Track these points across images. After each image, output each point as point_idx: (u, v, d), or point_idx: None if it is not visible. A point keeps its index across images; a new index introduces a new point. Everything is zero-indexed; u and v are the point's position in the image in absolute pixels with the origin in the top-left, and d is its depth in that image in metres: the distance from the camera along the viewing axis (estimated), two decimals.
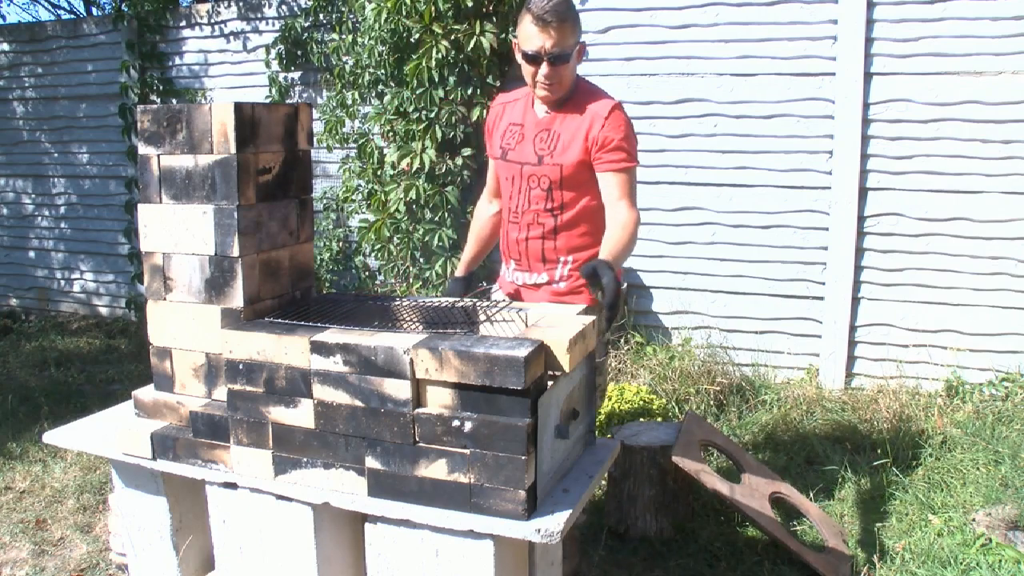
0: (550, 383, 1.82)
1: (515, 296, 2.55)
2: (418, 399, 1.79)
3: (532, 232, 2.45)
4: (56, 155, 6.37)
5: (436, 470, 1.78)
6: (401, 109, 4.53)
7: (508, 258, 2.56)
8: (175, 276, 2.05)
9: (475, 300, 2.17)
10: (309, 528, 1.91)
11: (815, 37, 4.14)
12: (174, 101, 5.80)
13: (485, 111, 4.43)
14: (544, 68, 2.29)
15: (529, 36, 2.28)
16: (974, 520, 2.85)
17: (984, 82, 3.89)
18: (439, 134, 4.42)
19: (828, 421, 3.83)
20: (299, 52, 5.33)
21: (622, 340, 4.53)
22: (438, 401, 1.78)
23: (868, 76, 4.05)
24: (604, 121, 2.33)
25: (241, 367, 1.91)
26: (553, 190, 2.39)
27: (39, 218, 6.56)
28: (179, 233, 2.03)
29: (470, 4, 4.32)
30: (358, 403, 1.81)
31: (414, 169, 4.46)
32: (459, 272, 2.70)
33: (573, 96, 2.41)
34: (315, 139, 4.03)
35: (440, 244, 4.51)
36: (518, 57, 2.37)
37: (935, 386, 4.06)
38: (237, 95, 5.60)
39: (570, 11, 2.29)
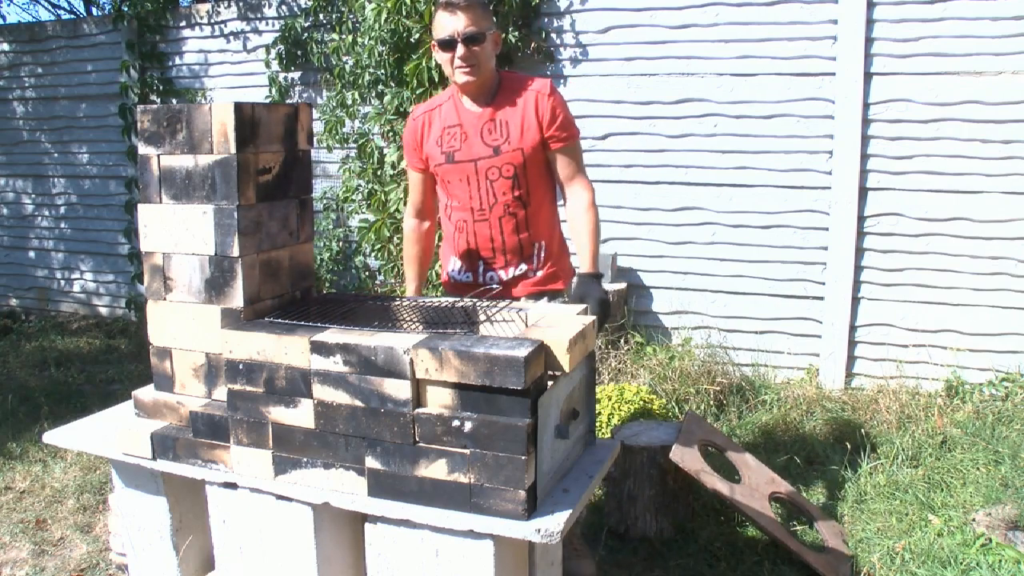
0: (550, 383, 1.82)
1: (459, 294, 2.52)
2: (418, 399, 1.79)
3: (506, 225, 2.47)
4: (56, 155, 6.37)
5: (436, 470, 1.78)
6: (401, 109, 4.53)
7: (474, 260, 2.53)
8: (175, 276, 2.05)
9: (475, 300, 2.17)
10: (309, 528, 1.91)
11: (815, 37, 4.14)
12: (174, 101, 5.80)
13: None
14: (460, 50, 2.34)
15: (442, 24, 2.36)
16: (974, 520, 2.85)
17: (984, 82, 3.89)
18: None
19: (828, 421, 3.83)
20: (299, 52, 5.32)
21: (622, 340, 4.53)
22: (438, 401, 1.78)
23: (868, 76, 4.05)
24: (548, 97, 2.41)
25: (241, 367, 1.91)
26: (519, 176, 2.43)
27: (39, 218, 6.56)
28: (179, 233, 2.03)
29: None
30: (358, 403, 1.81)
31: None
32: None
33: (504, 85, 2.46)
34: (315, 139, 4.02)
35: (440, 244, 4.50)
36: (436, 56, 2.44)
37: (935, 386, 4.06)
38: (237, 95, 5.60)
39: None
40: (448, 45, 2.35)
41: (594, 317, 2.01)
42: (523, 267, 2.51)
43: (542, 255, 2.51)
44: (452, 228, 2.58)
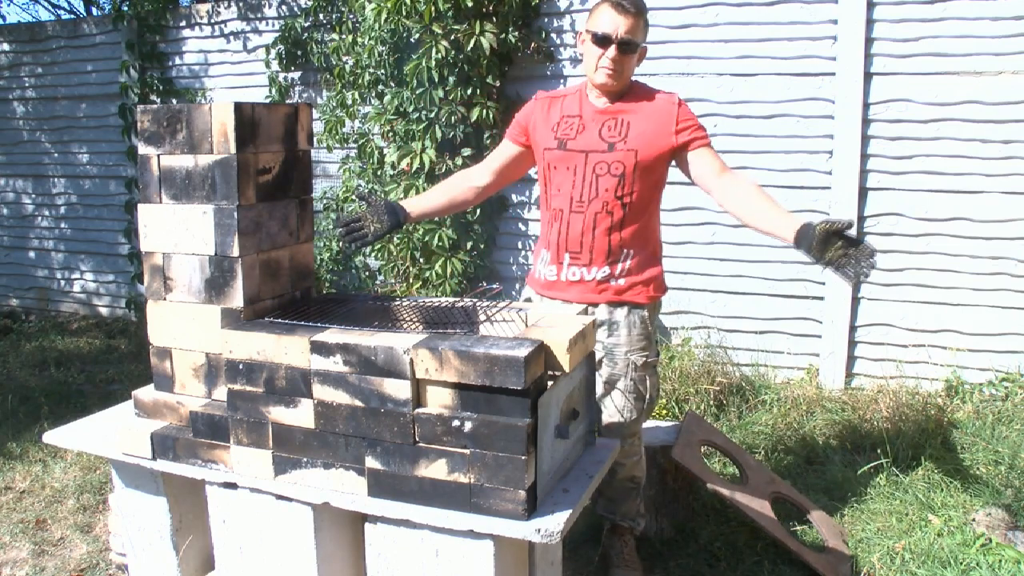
0: (550, 383, 1.82)
1: (547, 293, 2.51)
2: (418, 399, 1.79)
3: (600, 222, 2.42)
4: (56, 155, 6.37)
5: (436, 470, 1.78)
6: (401, 109, 4.53)
7: (561, 251, 2.48)
8: (175, 276, 2.05)
9: (475, 300, 2.17)
10: (309, 528, 1.91)
11: (815, 37, 4.14)
12: (174, 101, 5.80)
13: (485, 111, 4.43)
14: (612, 51, 2.35)
15: (604, 19, 2.36)
16: (974, 520, 2.85)
17: (984, 82, 3.89)
18: (439, 134, 4.42)
19: (828, 421, 3.83)
20: (299, 52, 5.32)
21: None
22: (438, 401, 1.78)
23: (868, 76, 4.05)
24: (679, 106, 2.45)
25: (241, 367, 1.91)
26: (626, 177, 2.40)
27: (39, 218, 6.56)
28: (179, 233, 2.03)
29: (470, 4, 4.32)
30: (358, 403, 1.82)
31: (414, 169, 4.46)
32: (405, 205, 2.51)
33: (632, 90, 2.49)
34: (315, 139, 4.02)
35: (440, 244, 4.51)
36: (583, 46, 2.43)
37: (935, 386, 4.06)
38: (237, 95, 5.60)
39: (645, 9, 2.40)
40: (603, 42, 2.36)
41: (593, 317, 2.01)
42: (606, 270, 2.43)
43: (627, 263, 2.44)
44: (549, 217, 2.53)
